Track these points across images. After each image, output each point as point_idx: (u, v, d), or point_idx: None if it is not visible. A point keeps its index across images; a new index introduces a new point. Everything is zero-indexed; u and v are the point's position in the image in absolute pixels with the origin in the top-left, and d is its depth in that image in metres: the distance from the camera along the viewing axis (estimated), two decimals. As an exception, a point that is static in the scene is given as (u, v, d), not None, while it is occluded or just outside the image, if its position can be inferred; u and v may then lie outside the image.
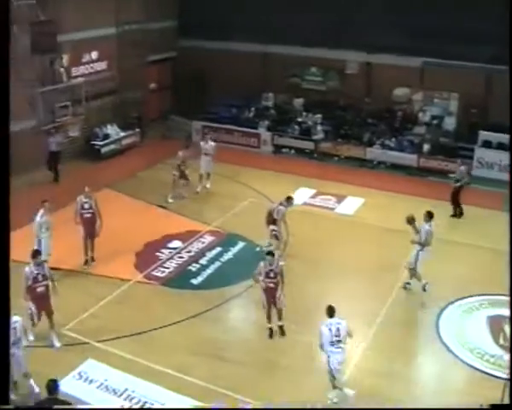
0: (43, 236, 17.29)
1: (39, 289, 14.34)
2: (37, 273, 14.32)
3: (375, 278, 17.71)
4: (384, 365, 14.01)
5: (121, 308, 16.17)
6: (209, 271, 18.09)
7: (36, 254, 14.72)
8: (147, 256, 19.01)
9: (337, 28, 29.78)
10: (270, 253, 15.47)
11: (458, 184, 22.09)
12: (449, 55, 26.14)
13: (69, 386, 13.14)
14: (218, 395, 12.85)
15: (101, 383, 13.29)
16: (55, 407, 10.09)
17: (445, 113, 28.31)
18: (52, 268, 17.40)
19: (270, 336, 15.08)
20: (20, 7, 22.06)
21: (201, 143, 23.68)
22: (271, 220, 18.72)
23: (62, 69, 24.54)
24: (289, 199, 18.99)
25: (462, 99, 27.62)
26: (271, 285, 14.98)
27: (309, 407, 12.57)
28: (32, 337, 14.46)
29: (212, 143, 23.78)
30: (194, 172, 23.43)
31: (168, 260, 18.85)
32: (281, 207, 18.72)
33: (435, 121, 28.30)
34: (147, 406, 12.68)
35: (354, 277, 17.89)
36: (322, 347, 12.84)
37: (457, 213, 22.19)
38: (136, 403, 12.70)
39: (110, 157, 28.30)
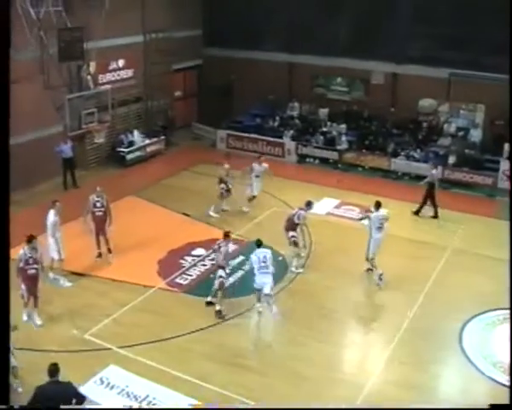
0: (58, 235, 17.55)
1: (30, 272, 15.16)
2: (30, 257, 15.16)
3: (399, 289, 17.59)
4: (406, 376, 13.89)
5: (143, 315, 16.20)
6: (231, 279, 18.06)
7: (31, 238, 15.34)
8: (170, 263, 19.06)
9: (363, 38, 29.82)
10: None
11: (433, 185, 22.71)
12: (476, 66, 26.05)
13: (90, 391, 13.16)
14: (236, 402, 12.85)
15: (123, 390, 13.31)
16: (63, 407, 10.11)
17: (470, 125, 28.15)
18: (77, 274, 17.70)
19: None
20: (48, 14, 22.30)
21: (254, 165, 23.10)
22: (290, 226, 18.76)
23: (89, 76, 24.76)
24: (309, 204, 19.05)
25: (488, 111, 27.45)
26: None
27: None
28: (25, 318, 15.48)
29: (265, 165, 23.24)
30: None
31: (191, 267, 18.87)
32: (301, 212, 18.76)
33: (461, 133, 28.13)
34: (167, 413, 12.72)
35: (377, 288, 17.77)
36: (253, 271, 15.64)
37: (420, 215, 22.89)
38: (157, 410, 12.74)
39: (135, 164, 28.48)
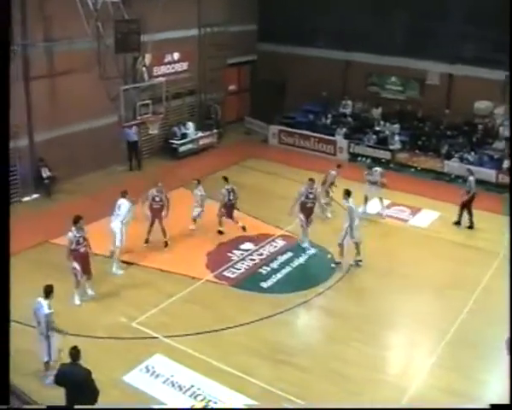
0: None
1: (82, 250, 15.95)
2: (79, 236, 15.91)
3: (447, 295, 17.35)
4: (451, 382, 13.67)
5: (190, 306, 16.34)
6: (279, 275, 18.08)
7: (77, 219, 15.96)
8: (218, 256, 19.18)
9: (419, 38, 29.49)
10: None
11: (469, 194, 21.73)
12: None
13: (135, 379, 13.42)
14: (278, 398, 12.89)
15: (167, 379, 13.45)
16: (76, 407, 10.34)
17: (526, 128, 27.53)
18: (126, 262, 17.95)
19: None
20: (105, 5, 22.57)
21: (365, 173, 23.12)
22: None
23: (144, 68, 24.94)
24: (339, 166, 23.05)
25: (545, 115, 26.84)
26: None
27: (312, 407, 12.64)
28: (78, 301, 16.10)
29: (379, 170, 23.01)
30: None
31: (239, 261, 18.95)
32: (333, 172, 22.50)
33: (516, 137, 27.56)
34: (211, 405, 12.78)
35: (425, 291, 17.56)
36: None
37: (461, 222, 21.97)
38: (201, 401, 12.80)
39: (187, 156, 28.73)
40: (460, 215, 21.93)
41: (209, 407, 12.70)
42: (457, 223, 21.98)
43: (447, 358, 14.54)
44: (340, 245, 18.53)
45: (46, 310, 12.58)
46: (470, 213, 21.77)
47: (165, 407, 12.73)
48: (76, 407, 10.40)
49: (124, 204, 18.07)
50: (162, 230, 19.55)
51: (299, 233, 20.09)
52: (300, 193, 19.50)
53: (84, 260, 16.06)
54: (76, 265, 15.93)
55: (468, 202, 21.77)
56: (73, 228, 15.95)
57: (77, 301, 16.12)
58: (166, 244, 19.62)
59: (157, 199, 19.22)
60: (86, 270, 16.19)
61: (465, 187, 22.09)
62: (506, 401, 13.46)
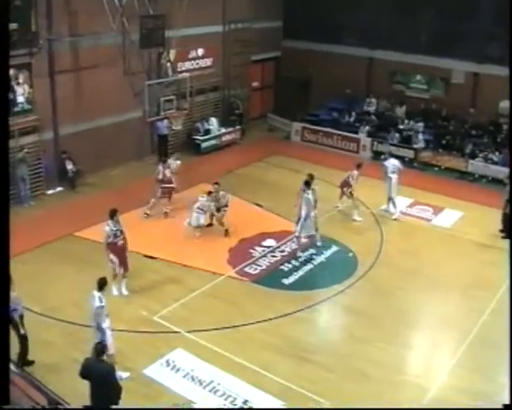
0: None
1: (119, 243, 16.21)
2: (116, 230, 16.16)
3: (469, 295, 17.24)
4: (473, 384, 13.57)
5: (212, 301, 16.38)
6: (301, 272, 18.06)
7: (114, 212, 16.20)
8: (240, 252, 19.20)
9: (445, 36, 29.25)
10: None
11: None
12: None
13: (156, 372, 13.49)
14: (298, 395, 12.88)
15: (188, 373, 13.50)
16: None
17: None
18: (149, 257, 18.01)
19: None
20: (130, 1, 22.68)
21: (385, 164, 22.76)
22: (344, 184, 21.97)
23: (169, 64, 25.03)
24: (359, 166, 22.06)
25: None
26: None
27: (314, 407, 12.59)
28: (116, 292, 16.15)
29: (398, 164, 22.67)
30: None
31: (261, 257, 18.96)
32: (355, 172, 21.76)
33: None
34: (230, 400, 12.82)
35: (447, 291, 17.47)
36: None
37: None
38: (221, 396, 12.83)
39: (209, 152, 28.78)
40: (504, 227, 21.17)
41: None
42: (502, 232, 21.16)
43: (469, 359, 14.44)
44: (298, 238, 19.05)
45: (97, 303, 12.69)
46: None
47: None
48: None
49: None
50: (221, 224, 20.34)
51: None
52: (299, 193, 19.15)
53: (121, 253, 16.31)
54: (113, 257, 16.20)
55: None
56: (110, 222, 16.18)
57: (115, 292, 16.22)
58: (227, 233, 20.21)
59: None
60: (123, 263, 16.39)
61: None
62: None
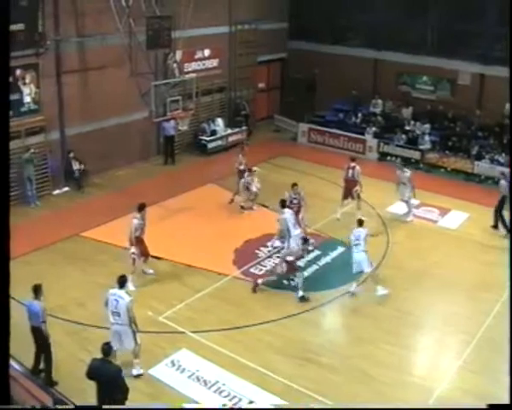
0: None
1: (143, 236, 16.76)
2: (143, 224, 16.67)
3: (474, 297, 17.21)
4: (478, 385, 13.53)
5: (217, 302, 16.39)
6: (306, 273, 18.03)
7: (142, 206, 16.64)
8: (245, 253, 19.21)
9: (451, 38, 29.22)
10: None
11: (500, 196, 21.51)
12: None
13: (161, 373, 13.52)
14: (303, 395, 12.89)
15: (193, 373, 13.51)
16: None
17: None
18: (154, 257, 18.02)
19: None
20: (137, 2, 22.72)
21: (398, 173, 22.52)
22: (353, 184, 21.50)
23: (175, 64, 25.06)
24: (354, 159, 22.08)
25: None
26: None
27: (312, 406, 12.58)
28: (133, 287, 16.10)
29: (408, 173, 22.30)
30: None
31: (266, 258, 18.97)
32: (357, 167, 21.57)
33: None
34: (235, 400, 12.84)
35: (454, 293, 17.43)
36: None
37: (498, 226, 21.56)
38: (226, 396, 12.84)
39: (216, 153, 28.81)
40: (495, 219, 21.63)
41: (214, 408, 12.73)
42: (494, 226, 21.62)
43: (475, 360, 14.40)
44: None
45: (127, 298, 12.79)
46: (501, 216, 21.54)
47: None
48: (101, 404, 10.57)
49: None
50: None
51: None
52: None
53: (144, 244, 16.86)
54: (135, 250, 16.68)
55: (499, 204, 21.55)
56: (138, 215, 16.60)
57: (131, 286, 16.12)
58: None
59: (295, 202, 19.28)
60: (145, 252, 17.01)
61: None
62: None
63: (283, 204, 17.92)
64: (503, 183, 21.69)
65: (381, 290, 16.89)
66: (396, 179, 22.33)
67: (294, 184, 19.68)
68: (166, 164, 27.18)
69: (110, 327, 12.95)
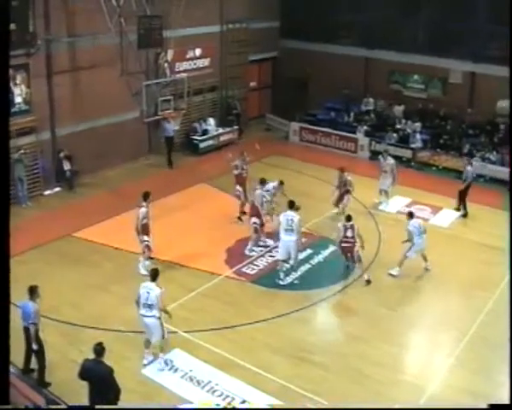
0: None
1: (150, 223, 17.37)
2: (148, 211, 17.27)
3: (467, 294, 17.27)
4: (470, 383, 13.56)
5: (210, 301, 16.38)
6: (298, 272, 18.05)
7: (147, 194, 17.19)
8: (238, 253, 19.18)
9: (442, 36, 29.28)
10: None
11: (465, 183, 22.70)
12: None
13: (154, 373, 13.48)
14: (296, 394, 12.88)
15: (186, 373, 13.50)
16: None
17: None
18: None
19: None
20: (128, 1, 22.68)
21: (380, 160, 23.33)
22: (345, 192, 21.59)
23: (166, 64, 25.07)
24: (342, 169, 21.81)
25: None
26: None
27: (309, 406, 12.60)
28: (144, 272, 16.67)
29: (391, 161, 23.10)
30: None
31: (259, 257, 18.96)
32: (349, 177, 21.58)
33: (540, 136, 27.27)
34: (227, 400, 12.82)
35: (445, 290, 17.47)
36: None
37: (460, 209, 22.92)
38: (219, 396, 12.83)
39: (207, 152, 28.79)
40: (458, 203, 22.87)
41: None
42: (458, 209, 22.93)
43: (467, 358, 14.44)
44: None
45: (158, 290, 13.11)
46: (464, 202, 22.74)
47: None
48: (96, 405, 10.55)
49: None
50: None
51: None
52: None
53: (149, 233, 17.36)
54: (147, 237, 17.25)
55: (463, 191, 22.72)
56: (144, 203, 17.13)
57: (144, 271, 16.86)
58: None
59: (348, 234, 17.89)
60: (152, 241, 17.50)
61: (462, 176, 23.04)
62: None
63: (291, 205, 17.51)
64: (469, 169, 22.67)
65: (394, 271, 17.92)
66: (378, 169, 22.90)
67: (263, 181, 19.81)
68: (170, 164, 26.92)
69: (142, 319, 13.32)
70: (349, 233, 17.50)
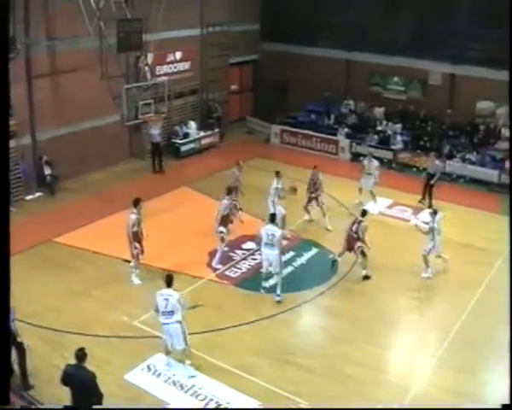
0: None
1: (141, 231, 17.10)
2: (139, 218, 17.02)
3: (450, 294, 17.38)
4: (454, 382, 13.65)
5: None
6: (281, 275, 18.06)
7: (138, 201, 16.91)
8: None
9: (422, 38, 29.50)
10: None
11: (433, 179, 23.55)
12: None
13: (137, 377, 13.45)
14: (280, 397, 12.89)
15: (169, 377, 13.47)
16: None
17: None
18: (128, 261, 17.85)
19: None
20: (107, 4, 22.59)
21: (365, 162, 23.57)
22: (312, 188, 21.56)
23: (147, 67, 25.00)
24: (316, 167, 21.84)
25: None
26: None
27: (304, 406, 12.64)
28: (138, 281, 16.94)
29: (376, 163, 23.58)
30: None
31: (241, 260, 18.96)
32: (321, 178, 21.54)
33: (519, 137, 27.49)
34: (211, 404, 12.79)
35: (427, 291, 17.62)
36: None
37: (425, 202, 23.62)
38: (202, 400, 12.82)
39: (189, 156, 28.78)
40: (423, 196, 23.89)
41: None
42: (422, 201, 23.92)
43: (450, 358, 14.53)
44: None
45: (176, 295, 13.07)
46: (430, 196, 23.65)
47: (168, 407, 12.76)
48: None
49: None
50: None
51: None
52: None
53: (141, 240, 17.09)
54: (137, 245, 16.98)
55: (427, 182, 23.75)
56: (135, 210, 16.86)
57: (137, 281, 16.91)
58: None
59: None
60: (141, 249, 17.24)
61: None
62: (508, 400, 13.49)
63: (272, 219, 17.31)
64: (438, 163, 23.72)
65: (425, 273, 18.21)
66: (361, 170, 23.26)
67: (229, 191, 19.32)
68: (155, 171, 26.74)
69: (163, 328, 13.29)
70: (354, 227, 17.94)
